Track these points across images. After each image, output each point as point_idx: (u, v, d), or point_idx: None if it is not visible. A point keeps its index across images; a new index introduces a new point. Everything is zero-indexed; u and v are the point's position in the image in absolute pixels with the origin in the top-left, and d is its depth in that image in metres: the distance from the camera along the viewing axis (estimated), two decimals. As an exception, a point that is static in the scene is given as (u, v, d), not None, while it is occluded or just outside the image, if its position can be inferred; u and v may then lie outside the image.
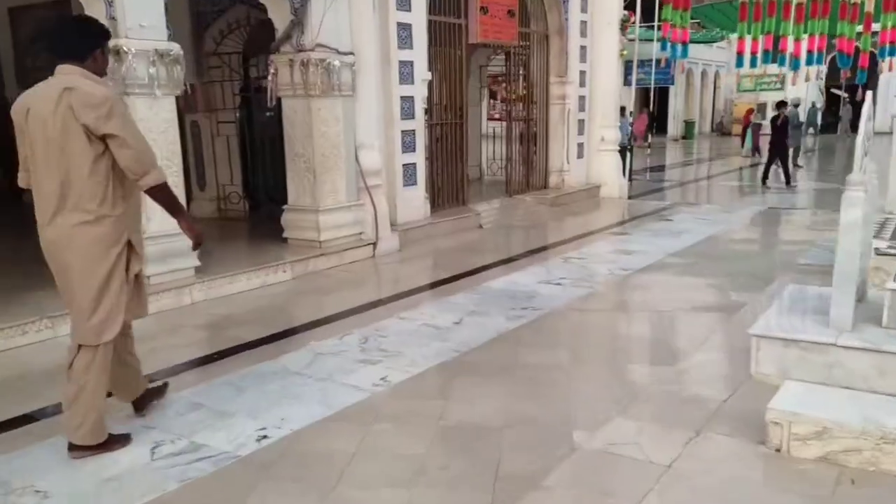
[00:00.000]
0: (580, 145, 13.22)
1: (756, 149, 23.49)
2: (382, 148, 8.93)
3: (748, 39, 14.05)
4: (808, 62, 14.11)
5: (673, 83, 36.40)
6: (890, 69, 17.56)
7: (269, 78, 8.21)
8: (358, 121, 8.44)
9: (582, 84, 13.01)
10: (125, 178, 3.42)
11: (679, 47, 13.84)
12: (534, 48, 12.33)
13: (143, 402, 4.08)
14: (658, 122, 37.34)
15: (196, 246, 3.72)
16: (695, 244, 8.75)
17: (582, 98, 13.07)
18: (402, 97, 9.16)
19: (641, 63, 36.08)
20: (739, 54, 13.95)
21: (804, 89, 38.52)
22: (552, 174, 12.93)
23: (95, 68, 3.47)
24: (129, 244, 3.53)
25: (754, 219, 10.76)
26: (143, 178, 3.39)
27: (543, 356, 4.94)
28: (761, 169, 15.84)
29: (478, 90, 14.89)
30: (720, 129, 41.34)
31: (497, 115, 21.43)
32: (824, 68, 39.24)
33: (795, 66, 14.16)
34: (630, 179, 14.39)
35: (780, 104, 15.23)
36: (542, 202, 12.07)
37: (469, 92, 14.16)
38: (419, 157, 9.50)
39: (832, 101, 40.91)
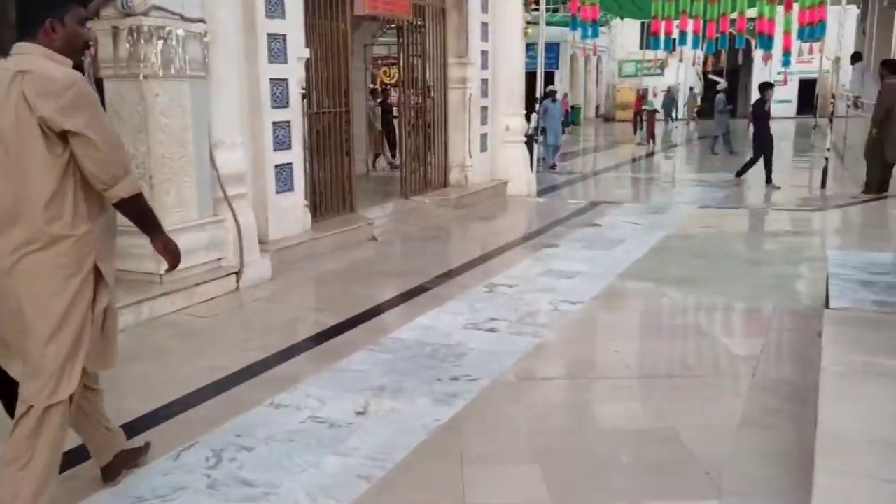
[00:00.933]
0: (483, 136, 11.53)
1: (652, 136, 22.70)
2: (247, 145, 6.88)
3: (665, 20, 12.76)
4: (723, 45, 13.02)
5: (558, 67, 35.61)
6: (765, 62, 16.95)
7: (86, 52, 5.98)
8: (213, 110, 6.36)
9: (484, 66, 11.30)
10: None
11: (590, 26, 12.40)
12: (429, 24, 10.50)
13: (114, 468, 3.20)
14: (544, 109, 36.55)
15: (172, 266, 3.03)
16: (643, 259, 7.23)
17: (484, 82, 11.37)
18: (272, 80, 7.11)
19: (528, 46, 35.15)
20: (655, 35, 12.65)
21: (682, 74, 38.80)
22: (453, 170, 11.18)
23: (55, 46, 2.71)
24: (97, 271, 2.78)
25: (695, 221, 9.37)
26: (112, 189, 2.71)
27: (511, 490, 3.13)
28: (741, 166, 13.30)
29: (363, 72, 12.92)
30: (605, 116, 41.09)
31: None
32: (700, 53, 39.76)
33: (710, 49, 13.07)
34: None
35: (766, 86, 12.73)
36: (444, 204, 10.29)
37: (353, 74, 12.25)
38: (296, 156, 7.48)
39: (710, 87, 41.37)
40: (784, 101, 40.96)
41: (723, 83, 18.81)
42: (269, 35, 7.06)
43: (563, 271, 6.78)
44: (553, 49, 35.67)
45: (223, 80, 6.45)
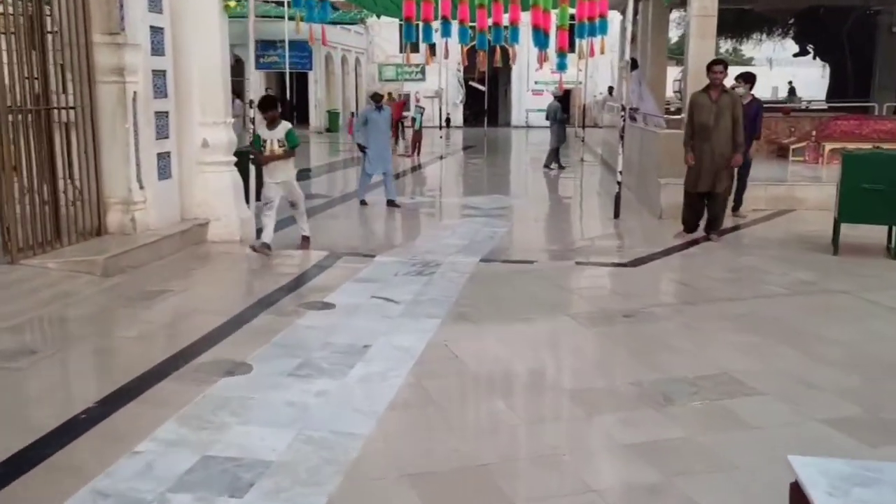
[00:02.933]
0: (164, 156, 7.62)
1: (417, 146, 19.99)
2: None
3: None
4: (496, 39, 10.19)
5: (311, 68, 31.99)
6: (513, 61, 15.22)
7: None
8: None
9: (158, 50, 7.40)
10: None
11: (316, 4, 8.90)
12: (55, -25, 6.47)
13: None
14: (298, 112, 32.72)
15: None
16: (396, 408, 3.82)
17: (160, 74, 7.46)
18: None
19: (274, 44, 31.12)
20: (408, 20, 9.44)
21: (443, 80, 37.13)
22: (112, 209, 7.17)
23: None
24: None
25: (478, 295, 6.15)
26: None
27: None
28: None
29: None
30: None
31: None
32: (458, 60, 38.01)
33: (482, 45, 10.24)
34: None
35: (745, 77, 9.41)
36: (85, 270, 6.26)
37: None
38: None
39: (471, 95, 40.16)
40: (542, 110, 40.71)
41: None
42: None
43: (235, 462, 3.20)
44: (304, 48, 31.98)
45: None
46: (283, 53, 31.51)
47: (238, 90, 23.37)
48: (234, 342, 4.83)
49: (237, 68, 32.31)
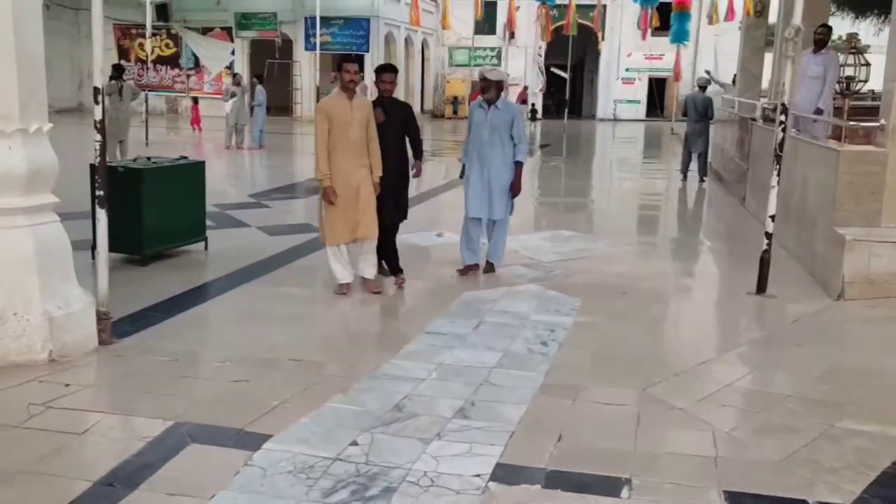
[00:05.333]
0: None
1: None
2: None
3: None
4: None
5: (368, 50, 28.07)
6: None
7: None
8: None
9: None
10: None
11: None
12: None
13: None
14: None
15: None
16: None
17: None
18: None
19: (327, 22, 27.39)
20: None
21: (521, 67, 32.86)
22: None
23: None
24: None
25: None
26: None
27: None
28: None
29: None
30: (434, 111, 34.22)
31: None
32: (543, 45, 33.62)
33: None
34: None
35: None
36: None
37: None
38: None
39: (553, 83, 35.72)
40: (633, 102, 35.77)
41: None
42: None
43: None
44: (360, 25, 28.13)
45: None
46: (336, 32, 27.83)
47: (260, 75, 19.72)
48: None
49: (285, 49, 28.70)
